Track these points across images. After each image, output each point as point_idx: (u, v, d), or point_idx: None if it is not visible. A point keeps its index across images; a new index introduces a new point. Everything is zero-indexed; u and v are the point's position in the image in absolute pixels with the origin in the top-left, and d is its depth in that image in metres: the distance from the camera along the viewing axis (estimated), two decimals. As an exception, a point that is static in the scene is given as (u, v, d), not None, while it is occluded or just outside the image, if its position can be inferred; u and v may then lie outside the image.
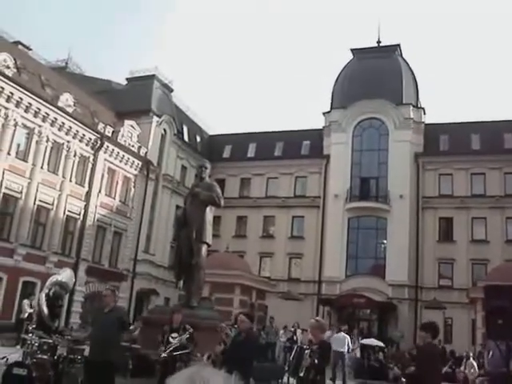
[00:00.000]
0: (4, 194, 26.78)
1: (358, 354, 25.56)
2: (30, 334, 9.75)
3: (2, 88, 26.32)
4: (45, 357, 9.32)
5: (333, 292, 36.57)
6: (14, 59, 28.02)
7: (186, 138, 42.65)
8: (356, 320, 35.59)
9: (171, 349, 9.07)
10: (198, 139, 45.19)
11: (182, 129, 42.20)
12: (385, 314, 35.11)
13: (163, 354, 9.05)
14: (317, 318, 10.58)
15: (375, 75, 39.30)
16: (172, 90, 42.14)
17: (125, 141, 35.09)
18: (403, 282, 35.88)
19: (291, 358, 9.25)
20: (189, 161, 41.99)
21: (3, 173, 26.47)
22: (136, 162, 35.87)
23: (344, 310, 35.84)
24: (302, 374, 8.07)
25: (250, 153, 44.16)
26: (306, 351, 8.18)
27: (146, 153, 36.88)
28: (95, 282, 31.99)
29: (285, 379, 13.81)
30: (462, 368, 21.65)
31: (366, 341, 27.20)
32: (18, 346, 16.00)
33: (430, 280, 36.53)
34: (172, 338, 9.42)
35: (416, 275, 36.56)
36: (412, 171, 38.39)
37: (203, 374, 1.94)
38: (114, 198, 34.40)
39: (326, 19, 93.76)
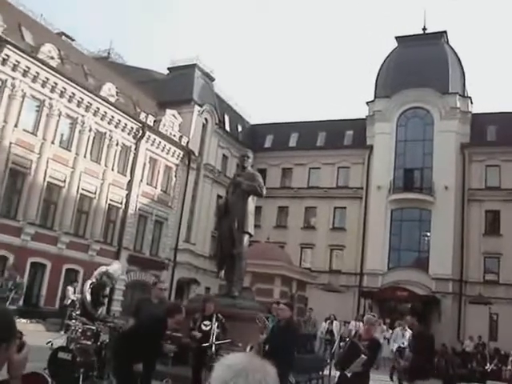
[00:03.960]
0: (48, 182, 27.16)
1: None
2: (74, 320, 9.84)
3: (47, 78, 26.64)
4: (88, 343, 9.40)
5: (375, 284, 36.07)
6: (58, 50, 28.29)
7: (227, 127, 42.47)
8: (398, 314, 35.00)
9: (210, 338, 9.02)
10: (240, 129, 45.00)
11: (224, 118, 42.01)
12: (428, 308, 34.37)
13: (205, 344, 8.95)
14: (372, 313, 10.27)
15: (420, 63, 38.25)
16: (213, 79, 41.94)
17: (166, 130, 35.18)
18: (447, 276, 35.05)
19: (332, 351, 8.98)
20: (230, 150, 41.87)
21: (47, 162, 26.87)
22: (177, 151, 35.93)
23: (386, 303, 35.34)
24: (348, 373, 7.68)
25: (292, 142, 43.74)
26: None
27: (188, 142, 36.88)
28: (136, 270, 32.30)
29: (325, 371, 13.45)
30: (509, 366, 21.03)
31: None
32: (62, 332, 16.20)
33: (475, 274, 35.52)
34: (204, 325, 9.38)
35: (460, 269, 35.61)
36: (458, 162, 37.31)
37: (257, 375, 1.75)
38: (156, 188, 34.58)
39: (370, 6, 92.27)
